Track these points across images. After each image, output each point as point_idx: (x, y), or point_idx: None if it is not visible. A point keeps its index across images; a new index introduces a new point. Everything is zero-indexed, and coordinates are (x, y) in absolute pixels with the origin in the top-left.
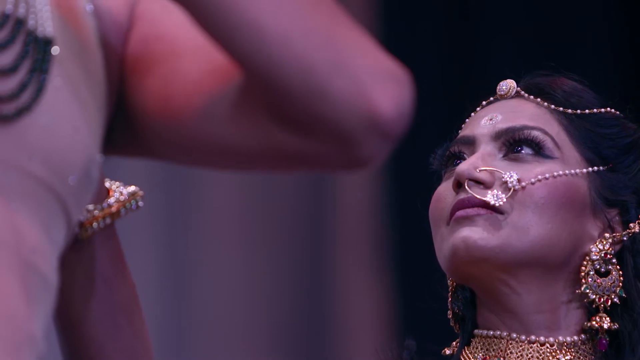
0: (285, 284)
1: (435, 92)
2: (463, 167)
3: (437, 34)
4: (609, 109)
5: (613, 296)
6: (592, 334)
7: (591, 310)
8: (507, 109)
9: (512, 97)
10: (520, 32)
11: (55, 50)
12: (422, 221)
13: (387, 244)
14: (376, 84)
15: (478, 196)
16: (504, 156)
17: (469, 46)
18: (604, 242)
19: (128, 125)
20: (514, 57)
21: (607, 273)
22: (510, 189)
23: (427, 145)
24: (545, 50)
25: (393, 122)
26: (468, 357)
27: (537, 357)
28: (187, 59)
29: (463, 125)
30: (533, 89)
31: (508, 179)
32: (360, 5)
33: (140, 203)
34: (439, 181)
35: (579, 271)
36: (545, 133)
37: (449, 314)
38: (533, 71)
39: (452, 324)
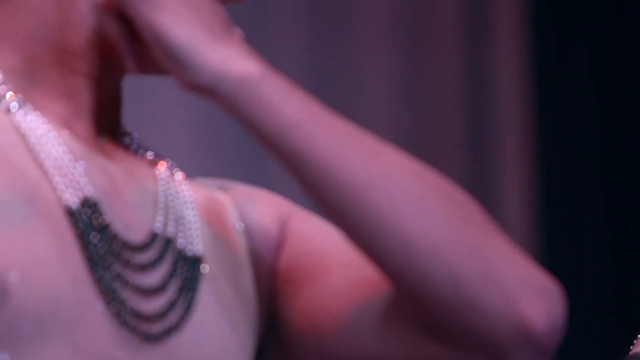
0: None
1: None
2: None
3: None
4: None
5: None
6: None
7: None
8: None
9: None
10: None
11: (204, 268)
12: None
13: None
14: (527, 296)
15: None
16: None
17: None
18: None
19: (279, 343)
20: None
21: None
22: None
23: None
24: None
25: (546, 336)
26: None
27: None
28: (335, 274)
29: (635, 341)
30: None
31: None
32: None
33: None
34: None
35: None
36: None
37: None
38: None
39: None
